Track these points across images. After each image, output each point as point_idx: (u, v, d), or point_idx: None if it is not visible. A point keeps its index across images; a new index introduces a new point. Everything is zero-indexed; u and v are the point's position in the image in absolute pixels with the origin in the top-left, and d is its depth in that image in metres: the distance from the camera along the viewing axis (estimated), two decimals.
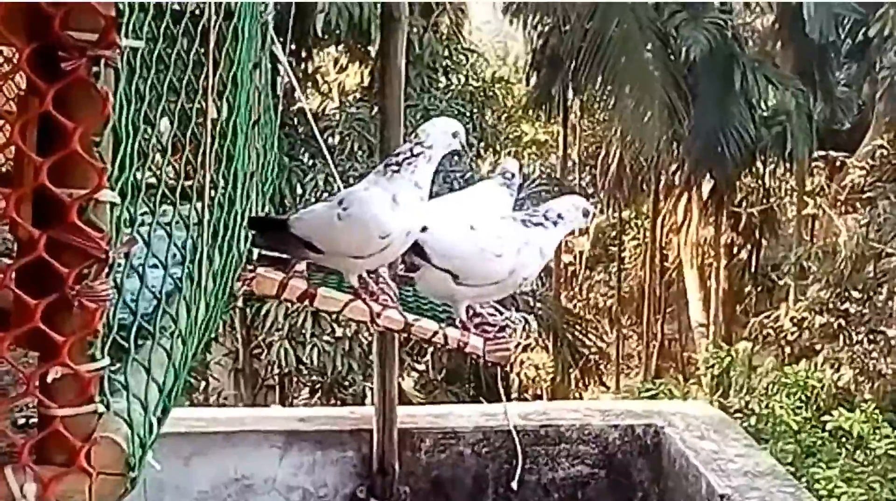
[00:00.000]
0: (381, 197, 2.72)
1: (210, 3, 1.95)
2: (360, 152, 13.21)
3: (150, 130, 1.77)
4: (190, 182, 1.97)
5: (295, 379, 14.61)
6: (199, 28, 1.95)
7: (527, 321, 3.15)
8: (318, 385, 14.34)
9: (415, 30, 13.51)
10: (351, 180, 12.99)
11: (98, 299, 1.47)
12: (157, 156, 1.88)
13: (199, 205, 1.96)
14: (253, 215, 3.17)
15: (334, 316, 12.92)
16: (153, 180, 1.85)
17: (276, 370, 14.46)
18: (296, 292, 2.72)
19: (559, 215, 2.90)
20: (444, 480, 4.36)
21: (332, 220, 2.73)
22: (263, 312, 13.11)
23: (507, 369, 17.86)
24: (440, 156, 2.82)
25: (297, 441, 4.29)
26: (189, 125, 1.95)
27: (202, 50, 1.95)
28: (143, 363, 1.74)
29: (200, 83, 1.95)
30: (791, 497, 3.69)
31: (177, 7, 1.84)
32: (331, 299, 2.76)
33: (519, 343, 3.00)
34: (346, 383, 13.99)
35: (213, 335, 2.24)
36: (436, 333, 2.84)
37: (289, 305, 12.81)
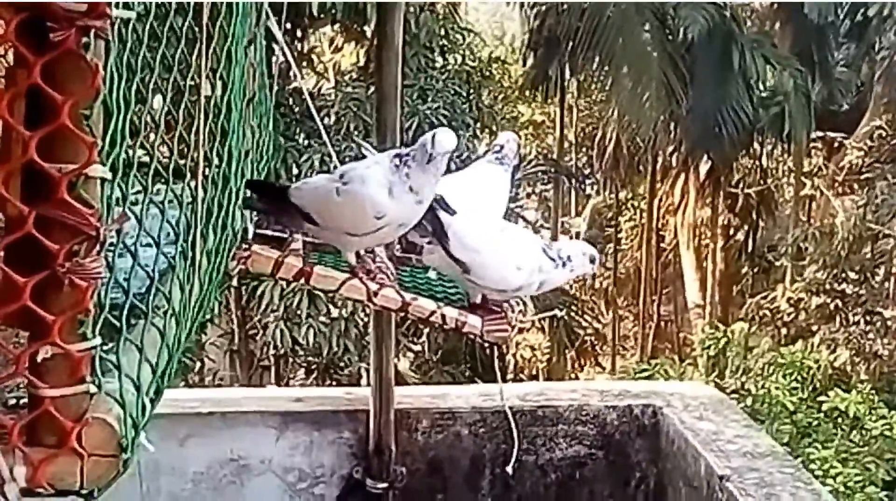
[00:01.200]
0: (379, 178, 2.70)
1: None
2: (356, 132, 13.14)
3: (142, 106, 1.73)
4: (184, 160, 1.93)
5: (290, 360, 14.60)
6: (193, 1, 1.91)
7: (524, 303, 3.12)
8: (313, 366, 14.33)
9: (411, 9, 13.42)
10: (347, 161, 12.93)
11: (89, 276, 1.44)
12: (151, 132, 1.84)
13: (192, 183, 1.92)
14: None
15: (330, 297, 12.89)
16: (146, 157, 1.81)
17: (272, 351, 14.44)
18: (292, 271, 2.69)
19: (569, 258, 2.92)
20: (441, 460, 4.34)
21: (330, 193, 2.70)
22: (259, 292, 13.09)
23: (504, 350, 17.88)
24: (423, 160, 2.75)
25: (293, 421, 4.26)
26: (182, 101, 1.92)
27: (195, 24, 1.91)
28: (136, 342, 1.71)
29: (194, 58, 1.91)
30: (791, 478, 3.67)
31: None
32: (327, 278, 2.73)
33: (516, 324, 2.97)
34: (342, 364, 13.98)
35: (208, 315, 2.20)
36: (433, 312, 2.81)
37: (284, 285, 12.79)
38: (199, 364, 14.69)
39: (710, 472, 3.76)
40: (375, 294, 2.73)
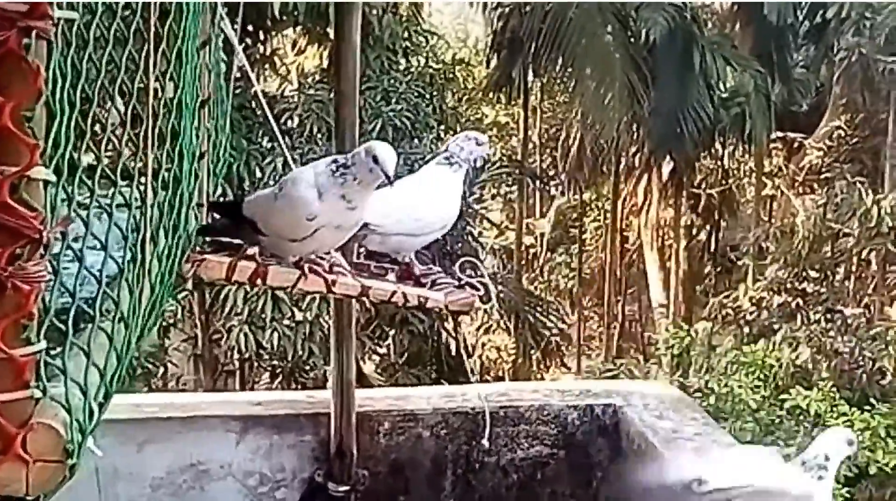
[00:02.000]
0: (309, 180, 2.72)
1: None
2: (319, 135, 13.11)
3: (88, 107, 1.71)
4: (133, 162, 1.92)
5: (255, 364, 14.53)
6: (141, 2, 1.89)
7: (485, 287, 3.11)
8: (278, 370, 14.26)
9: (374, 11, 13.41)
10: (310, 163, 12.92)
11: (32, 280, 1.42)
12: (99, 134, 1.82)
13: (142, 185, 1.91)
14: (207, 196, 3.12)
15: (295, 300, 12.79)
16: (93, 159, 1.79)
17: (236, 355, 14.36)
18: (246, 273, 2.68)
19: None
20: (403, 462, 4.34)
21: (270, 200, 2.71)
22: (222, 296, 13.00)
23: (470, 351, 17.89)
24: (366, 179, 2.76)
25: (253, 425, 4.24)
26: (131, 102, 1.90)
27: (144, 24, 1.89)
28: (83, 347, 1.69)
29: (142, 59, 1.90)
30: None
31: None
32: (283, 275, 2.72)
33: (481, 298, 2.97)
34: (307, 367, 13.94)
35: (159, 318, 2.18)
36: (394, 292, 2.82)
37: (248, 289, 12.72)
38: (162, 370, 14.58)
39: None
40: (334, 283, 2.73)
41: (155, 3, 1.91)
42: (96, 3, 1.73)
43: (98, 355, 1.73)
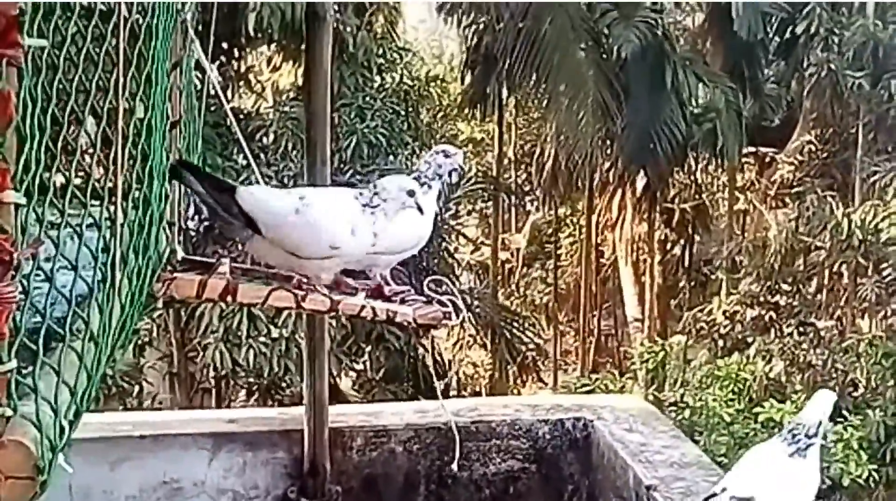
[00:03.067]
0: (346, 215, 2.78)
1: (121, 1, 1.93)
2: (294, 152, 13.14)
3: (59, 130, 1.75)
4: (103, 183, 1.95)
5: (231, 382, 14.48)
6: (111, 26, 1.93)
7: (455, 305, 3.14)
8: (254, 387, 14.23)
9: (348, 29, 13.49)
10: (285, 180, 12.95)
11: (3, 300, 1.45)
12: (69, 156, 1.85)
13: (111, 205, 1.94)
14: (178, 216, 3.14)
15: (270, 317, 12.76)
16: (64, 181, 1.82)
17: (212, 373, 14.31)
18: (216, 290, 2.71)
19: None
20: (376, 478, 4.37)
21: (287, 207, 2.73)
22: (198, 314, 12.98)
23: (446, 367, 17.90)
24: (394, 213, 2.87)
25: (226, 442, 4.25)
26: (101, 124, 1.94)
27: (113, 48, 1.93)
28: (54, 366, 1.72)
29: (112, 82, 1.93)
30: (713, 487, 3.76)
31: (85, 5, 1.82)
32: (253, 292, 2.76)
33: (448, 315, 3.00)
34: (284, 384, 13.91)
35: (130, 337, 2.21)
36: (363, 307, 2.86)
37: (223, 306, 12.70)
38: (137, 388, 14.50)
39: (637, 482, 3.83)
40: (304, 299, 2.76)
41: (125, 26, 1.95)
42: (66, 28, 1.77)
43: (69, 374, 1.76)
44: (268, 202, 2.81)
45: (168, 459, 4.22)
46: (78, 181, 1.86)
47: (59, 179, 1.79)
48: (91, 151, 1.91)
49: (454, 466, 3.86)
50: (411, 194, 2.83)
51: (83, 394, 1.82)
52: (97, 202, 1.96)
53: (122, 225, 1.98)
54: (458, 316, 3.27)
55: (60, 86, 1.73)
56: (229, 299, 2.72)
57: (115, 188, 1.95)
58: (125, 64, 1.96)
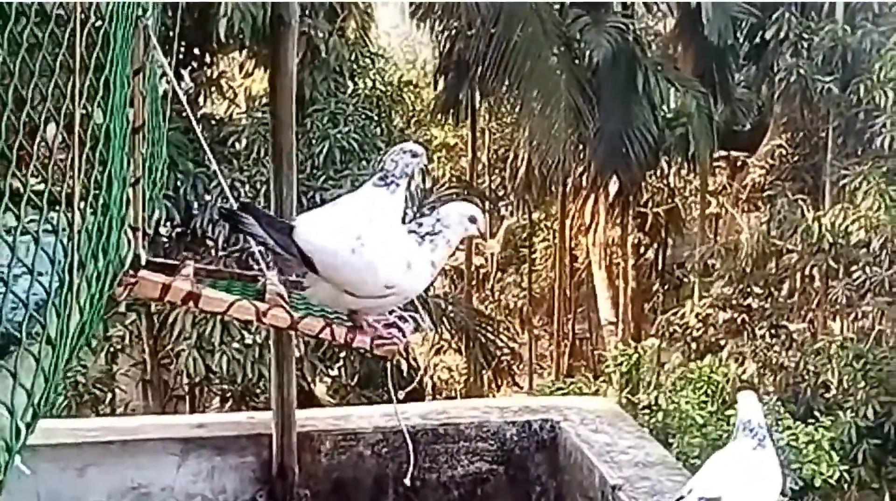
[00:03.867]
0: (402, 252, 2.79)
1: (77, 6, 1.94)
2: (266, 158, 13.11)
3: (14, 135, 1.76)
4: (60, 188, 1.96)
5: (205, 388, 14.43)
6: (66, 32, 1.94)
7: (415, 320, 3.17)
8: (228, 394, 14.18)
9: (320, 34, 13.49)
10: (258, 185, 12.94)
11: None
12: (24, 161, 1.86)
13: (69, 210, 1.95)
14: (143, 221, 3.15)
15: (244, 323, 12.71)
16: (21, 186, 1.83)
17: (186, 380, 14.26)
18: (179, 294, 2.72)
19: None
20: (345, 481, 4.38)
21: (344, 248, 2.75)
22: (170, 321, 12.93)
23: (422, 372, 17.89)
24: (457, 240, 2.89)
25: (195, 447, 4.26)
26: (58, 130, 1.95)
27: (70, 53, 1.94)
28: (10, 369, 1.73)
29: (69, 88, 1.95)
30: (680, 486, 3.79)
31: (40, 10, 1.83)
32: (215, 300, 2.77)
33: (407, 340, 3.02)
34: (258, 390, 13.87)
35: (89, 341, 2.23)
36: (323, 328, 2.86)
37: (196, 313, 12.66)
38: (110, 396, 14.43)
39: (603, 482, 3.87)
40: (265, 314, 2.77)
41: (81, 30, 1.97)
42: (21, 34, 1.78)
43: (25, 377, 1.78)
44: (324, 243, 2.80)
45: (136, 464, 4.22)
46: (35, 187, 1.87)
47: (15, 184, 1.80)
48: (49, 156, 1.92)
49: (407, 480, 3.87)
50: (473, 220, 2.85)
51: (40, 397, 1.83)
52: (54, 208, 1.97)
53: (79, 230, 2.00)
54: (415, 332, 3.28)
55: (16, 93, 1.75)
56: (191, 304, 2.72)
57: (72, 194, 1.96)
58: (82, 69, 1.97)
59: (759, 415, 3.31)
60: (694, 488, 3.23)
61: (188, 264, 2.99)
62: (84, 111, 2.07)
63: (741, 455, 3.26)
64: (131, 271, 2.68)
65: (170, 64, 3.54)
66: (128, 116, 2.55)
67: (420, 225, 2.85)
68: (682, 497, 3.23)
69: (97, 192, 2.16)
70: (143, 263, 2.94)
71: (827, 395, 15.59)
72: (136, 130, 2.95)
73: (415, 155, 3.33)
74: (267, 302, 2.81)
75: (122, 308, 12.56)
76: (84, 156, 2.03)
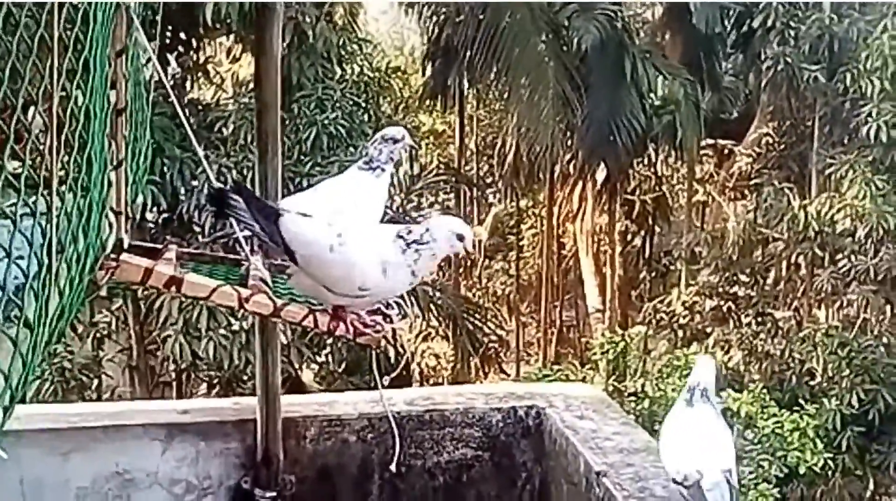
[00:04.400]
0: (381, 255, 2.76)
1: None
2: (253, 144, 13.06)
3: None
4: (38, 170, 1.94)
5: (191, 375, 14.40)
6: (45, 11, 1.92)
7: (401, 307, 3.16)
8: (215, 380, 14.16)
9: (307, 19, 13.43)
10: (244, 171, 12.89)
11: None
12: (3, 144, 1.84)
13: (47, 193, 1.93)
14: (126, 204, 3.13)
15: (231, 309, 12.72)
16: None
17: (172, 366, 14.23)
18: (162, 279, 2.70)
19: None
20: (330, 467, 4.36)
21: (324, 246, 2.72)
22: (157, 306, 12.89)
23: (409, 359, 17.89)
24: (442, 255, 2.87)
25: (179, 433, 4.23)
26: (36, 111, 1.92)
27: (48, 32, 1.91)
28: None
29: (47, 68, 1.92)
30: (664, 472, 3.80)
31: None
32: (198, 286, 2.75)
33: (385, 330, 3.01)
34: (245, 376, 13.84)
35: (68, 324, 2.21)
36: (306, 316, 2.85)
37: (183, 299, 12.63)
38: (96, 382, 14.39)
39: (588, 469, 3.87)
40: (247, 300, 2.76)
41: (59, 11, 1.94)
42: None
43: (2, 360, 1.76)
44: (306, 236, 2.77)
45: (120, 450, 4.18)
46: (12, 169, 1.85)
47: None
48: (27, 137, 1.89)
49: (392, 466, 3.87)
50: (461, 238, 2.82)
51: (18, 381, 1.81)
52: (32, 190, 1.95)
53: (58, 212, 1.97)
54: (400, 319, 3.27)
55: None
56: (173, 289, 2.70)
57: (50, 176, 1.94)
58: (60, 50, 1.95)
59: (707, 378, 3.38)
60: (703, 472, 3.20)
61: (171, 247, 2.97)
62: (63, 93, 2.04)
63: (704, 422, 3.34)
64: (113, 255, 2.66)
65: (156, 48, 3.50)
66: (109, 98, 2.52)
67: (409, 232, 2.81)
68: (685, 482, 3.22)
69: (77, 174, 2.14)
70: (126, 246, 2.92)
71: (812, 383, 15.68)
72: (118, 112, 2.93)
73: (397, 140, 3.30)
74: (250, 288, 2.79)
75: (107, 294, 12.52)
76: (63, 137, 2.00)
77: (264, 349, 4.17)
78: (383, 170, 3.30)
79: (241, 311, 2.83)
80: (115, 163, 2.93)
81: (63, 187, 2.06)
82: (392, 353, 16.53)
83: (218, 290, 2.73)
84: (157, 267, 2.70)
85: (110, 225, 2.65)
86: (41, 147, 1.95)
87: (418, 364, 19.67)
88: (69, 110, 2.06)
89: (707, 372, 3.40)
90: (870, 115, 15.86)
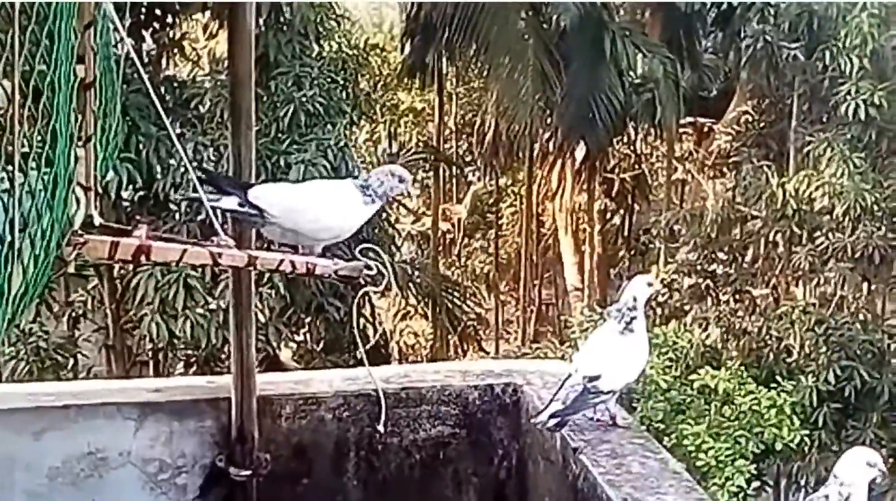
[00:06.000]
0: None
1: None
2: (230, 120, 12.97)
3: None
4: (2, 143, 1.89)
5: (169, 354, 14.34)
6: None
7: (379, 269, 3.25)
8: (192, 359, 14.11)
9: None
10: (221, 149, 12.78)
11: None
12: None
13: (10, 167, 1.89)
14: (95, 180, 3.08)
15: (208, 288, 12.62)
16: None
17: (149, 345, 14.16)
18: (129, 250, 2.66)
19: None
20: (306, 446, 4.35)
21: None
22: (133, 285, 12.81)
23: (386, 337, 17.89)
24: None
25: (152, 412, 4.20)
26: None
27: (9, 4, 1.87)
28: None
29: (8, 40, 1.87)
30: (640, 448, 3.81)
31: None
32: (167, 250, 2.71)
33: (374, 279, 3.08)
34: (223, 355, 13.80)
35: (34, 300, 2.17)
36: (282, 261, 2.84)
37: (159, 277, 12.55)
38: (72, 361, 14.31)
39: (564, 445, 3.87)
40: (220, 256, 2.72)
41: None
42: None
43: None
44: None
45: (92, 429, 4.15)
46: None
47: None
48: None
49: (380, 427, 3.94)
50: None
51: None
52: None
53: (20, 186, 1.93)
54: (385, 281, 3.35)
55: None
56: (143, 259, 2.67)
57: (13, 150, 1.89)
58: (23, 21, 1.90)
59: (630, 298, 3.79)
60: (579, 368, 3.77)
61: (141, 226, 2.92)
62: (27, 66, 1.99)
63: (614, 338, 3.81)
64: (81, 232, 2.61)
65: (125, 26, 3.46)
66: (75, 71, 2.47)
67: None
68: (570, 375, 3.77)
69: (41, 148, 2.09)
70: (97, 224, 2.87)
71: (789, 360, 15.75)
72: (86, 86, 2.88)
73: (402, 180, 3.45)
74: (218, 244, 2.77)
75: (82, 272, 12.42)
76: (26, 110, 1.96)
77: (238, 326, 4.14)
78: (373, 201, 3.41)
79: (216, 268, 2.80)
80: (83, 138, 2.89)
81: (27, 162, 2.01)
82: (371, 331, 16.55)
83: (189, 251, 2.70)
84: (124, 240, 2.65)
85: (77, 201, 2.60)
86: (3, 121, 1.91)
87: (397, 343, 19.67)
88: (31, 83, 2.01)
89: (638, 293, 3.81)
90: (848, 93, 15.90)
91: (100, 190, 3.09)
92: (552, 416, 3.71)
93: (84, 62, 2.85)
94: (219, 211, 3.16)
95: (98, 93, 3.11)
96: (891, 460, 14.90)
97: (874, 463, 3.03)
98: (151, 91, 3.51)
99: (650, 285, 3.94)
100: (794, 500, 15.40)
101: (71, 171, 2.41)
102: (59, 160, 2.15)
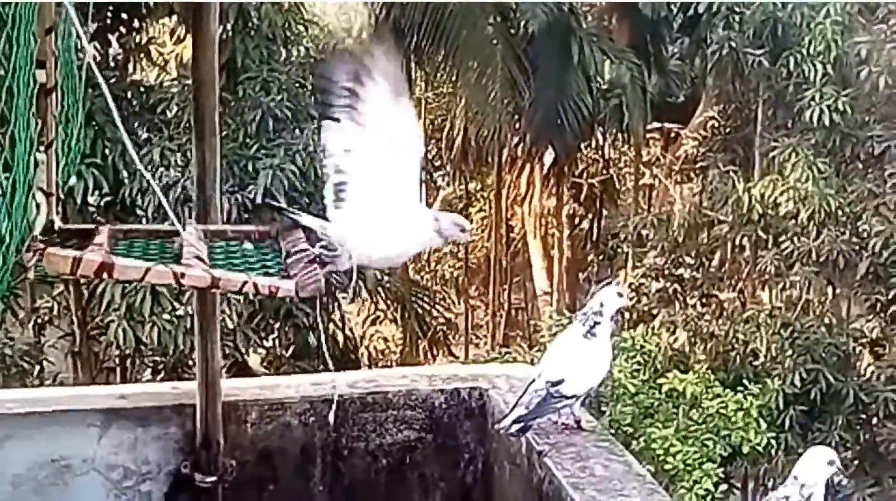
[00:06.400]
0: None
1: None
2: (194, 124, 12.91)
3: None
4: None
5: (136, 360, 14.24)
6: None
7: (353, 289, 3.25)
8: (160, 365, 14.02)
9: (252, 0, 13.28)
10: (188, 154, 12.71)
11: None
12: None
13: None
14: (57, 185, 3.07)
15: (175, 294, 12.56)
16: None
17: (116, 352, 14.06)
18: (92, 267, 2.63)
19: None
20: (272, 451, 4.34)
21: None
22: (99, 291, 12.72)
23: (357, 343, 17.86)
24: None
25: (116, 418, 4.18)
26: None
27: None
28: None
29: None
30: (605, 451, 3.84)
31: None
32: (131, 269, 2.70)
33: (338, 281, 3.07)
34: (190, 362, 13.71)
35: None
36: (245, 283, 2.83)
37: (126, 284, 12.46)
38: (38, 368, 14.17)
39: (530, 449, 3.89)
40: (183, 275, 2.71)
41: None
42: None
43: None
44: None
45: (56, 436, 4.13)
46: None
47: None
48: None
49: (330, 417, 3.97)
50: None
51: None
52: None
53: None
54: (350, 284, 3.35)
55: None
56: (105, 276, 2.65)
57: None
58: None
59: (597, 304, 3.84)
60: (542, 372, 3.81)
61: (102, 229, 2.91)
62: None
63: (578, 342, 3.86)
64: (42, 237, 2.60)
65: (88, 31, 3.44)
66: (35, 76, 2.46)
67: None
68: (534, 380, 3.80)
69: None
70: (57, 228, 2.86)
71: (755, 363, 15.89)
72: (47, 91, 2.86)
73: (464, 230, 3.58)
74: (184, 264, 2.75)
75: (46, 278, 12.30)
76: None
77: (203, 331, 4.13)
78: (439, 237, 3.57)
79: (183, 289, 2.80)
80: (45, 143, 2.87)
81: None
82: (341, 337, 16.51)
83: (152, 270, 2.68)
84: (86, 255, 2.63)
85: (38, 206, 2.59)
86: None
87: (367, 348, 19.63)
88: None
89: (607, 302, 3.86)
90: (812, 99, 16.05)
91: (62, 195, 3.07)
92: (515, 421, 3.72)
93: (45, 67, 2.84)
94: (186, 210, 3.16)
95: (60, 98, 3.10)
96: (856, 462, 15.08)
97: (833, 462, 3.10)
98: (109, 97, 3.49)
99: (620, 295, 3.97)
100: None
101: (31, 176, 2.39)
102: (18, 165, 2.14)
